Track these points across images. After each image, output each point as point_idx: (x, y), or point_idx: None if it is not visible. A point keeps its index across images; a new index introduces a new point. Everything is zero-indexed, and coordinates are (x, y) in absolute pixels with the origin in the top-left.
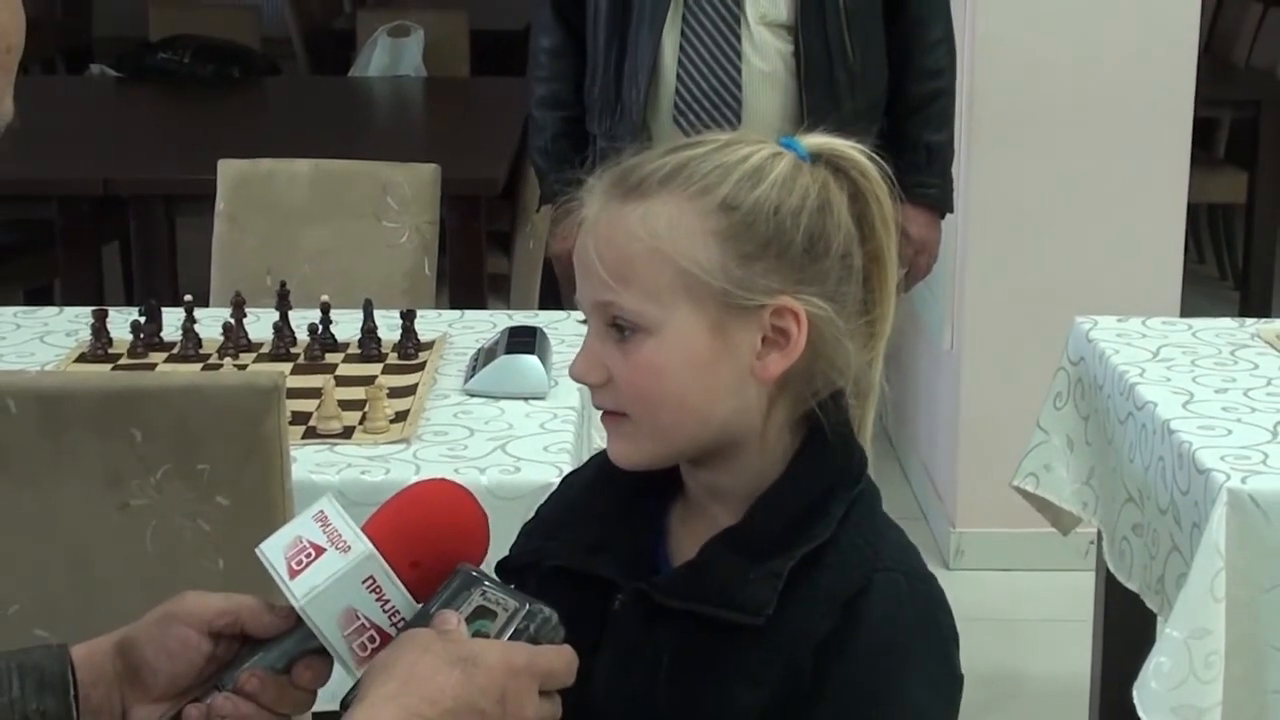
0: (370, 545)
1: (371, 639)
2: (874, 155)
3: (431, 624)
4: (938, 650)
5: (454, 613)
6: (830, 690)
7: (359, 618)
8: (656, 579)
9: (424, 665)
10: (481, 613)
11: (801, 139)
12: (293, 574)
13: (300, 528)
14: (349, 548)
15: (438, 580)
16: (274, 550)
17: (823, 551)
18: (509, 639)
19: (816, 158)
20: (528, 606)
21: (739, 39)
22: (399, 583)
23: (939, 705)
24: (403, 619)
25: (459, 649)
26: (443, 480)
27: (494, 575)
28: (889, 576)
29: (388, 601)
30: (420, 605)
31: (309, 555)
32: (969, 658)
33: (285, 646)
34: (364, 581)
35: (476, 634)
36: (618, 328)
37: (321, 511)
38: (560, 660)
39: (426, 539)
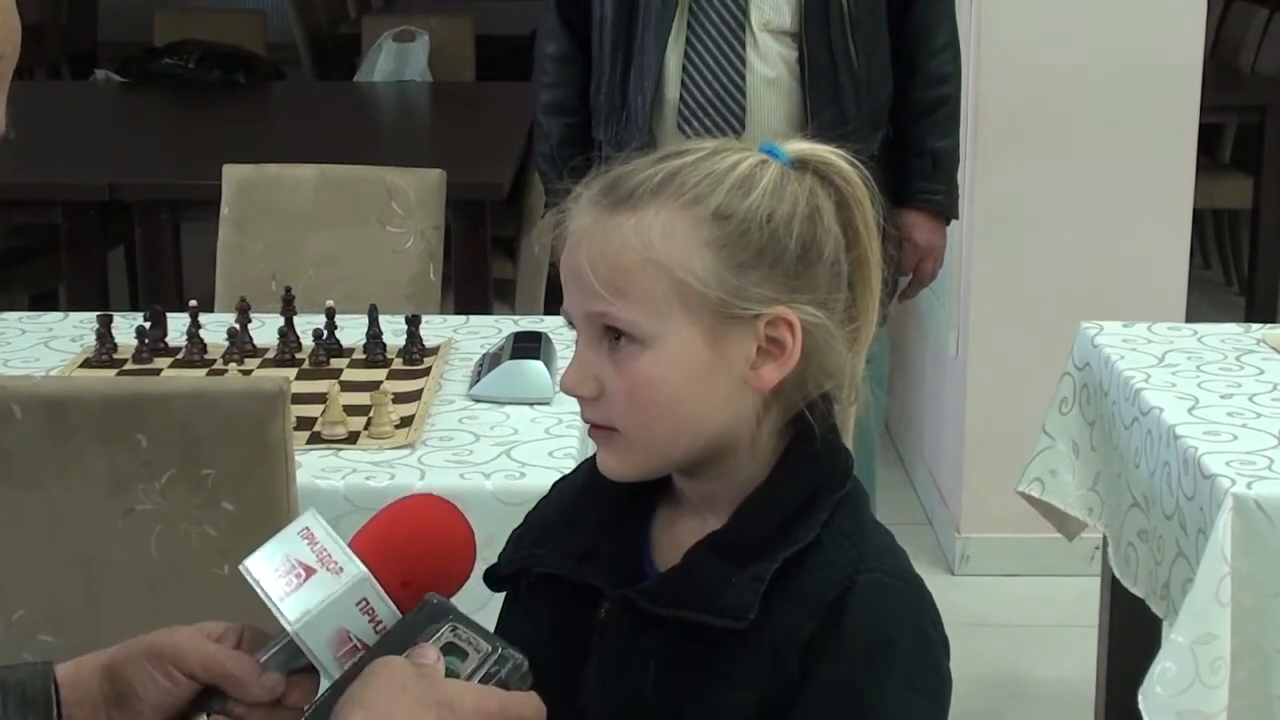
0: (363, 567)
1: (363, 659)
2: (854, 160)
3: (410, 657)
4: (923, 651)
5: (433, 649)
6: (813, 690)
7: (351, 639)
8: (641, 586)
9: (401, 707)
10: (451, 649)
11: (784, 146)
12: (283, 595)
13: (287, 545)
14: (341, 569)
15: None
16: (261, 570)
17: (806, 554)
18: (479, 681)
19: (802, 165)
20: (499, 650)
21: (743, 45)
22: (390, 603)
23: (924, 706)
24: None
25: (435, 692)
26: (429, 495)
27: (459, 608)
28: (872, 577)
29: (380, 622)
30: (390, 628)
31: (299, 576)
32: (975, 663)
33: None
34: (357, 603)
35: (448, 671)
36: (611, 339)
37: (307, 528)
38: (530, 709)
39: (416, 557)
